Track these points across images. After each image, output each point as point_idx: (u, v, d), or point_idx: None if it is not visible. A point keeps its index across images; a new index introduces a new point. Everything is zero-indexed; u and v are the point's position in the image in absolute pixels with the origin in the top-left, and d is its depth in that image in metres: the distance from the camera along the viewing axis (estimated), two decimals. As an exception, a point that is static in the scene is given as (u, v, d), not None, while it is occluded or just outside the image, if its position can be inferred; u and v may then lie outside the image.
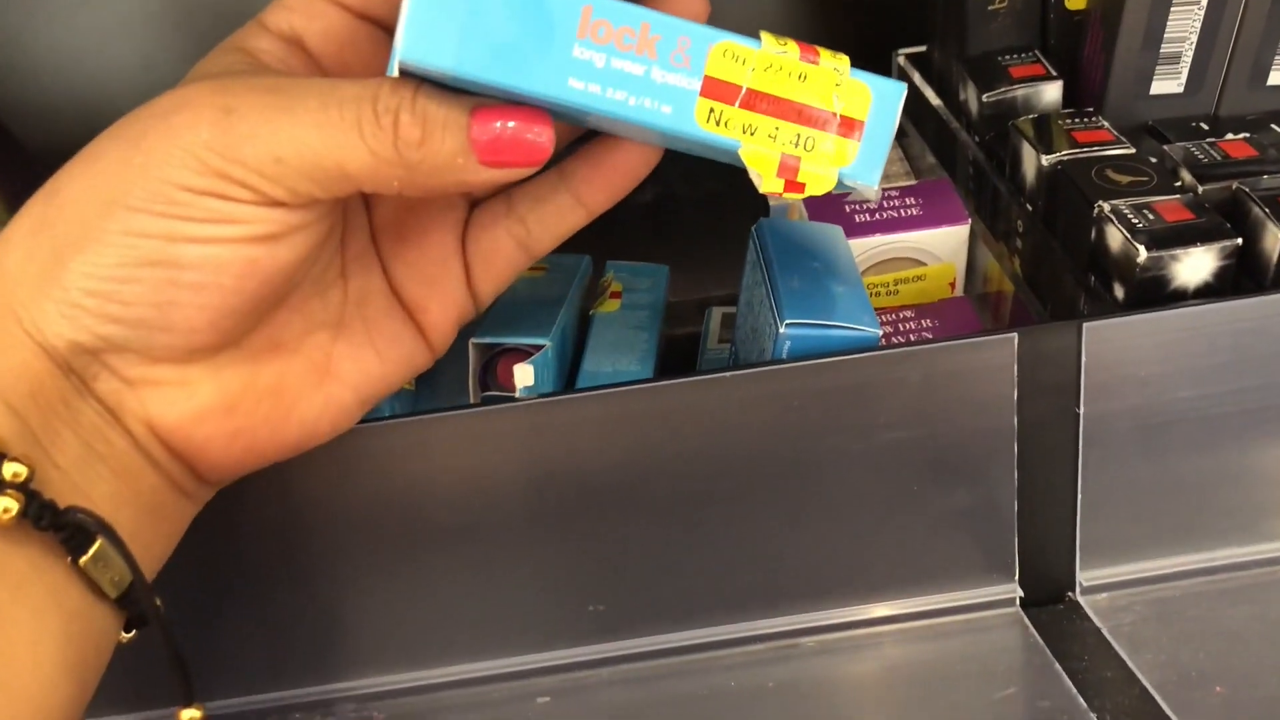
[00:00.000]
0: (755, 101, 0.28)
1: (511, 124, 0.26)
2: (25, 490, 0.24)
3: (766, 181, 0.29)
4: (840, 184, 0.30)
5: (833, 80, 0.28)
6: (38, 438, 0.25)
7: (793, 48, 0.28)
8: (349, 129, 0.25)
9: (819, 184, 0.29)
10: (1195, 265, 0.35)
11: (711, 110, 0.28)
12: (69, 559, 0.25)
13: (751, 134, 0.28)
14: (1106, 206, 0.37)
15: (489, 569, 0.35)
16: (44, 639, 0.24)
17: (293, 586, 0.35)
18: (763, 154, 0.29)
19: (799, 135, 0.29)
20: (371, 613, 0.36)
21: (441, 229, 0.32)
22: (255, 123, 0.25)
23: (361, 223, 0.31)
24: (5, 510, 0.23)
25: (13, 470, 0.24)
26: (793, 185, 0.29)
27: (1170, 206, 0.37)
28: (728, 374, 0.34)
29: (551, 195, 0.32)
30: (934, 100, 0.50)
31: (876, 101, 0.29)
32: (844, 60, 0.29)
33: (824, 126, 0.29)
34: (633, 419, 0.34)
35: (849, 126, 0.29)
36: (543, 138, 0.26)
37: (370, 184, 0.26)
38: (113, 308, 0.25)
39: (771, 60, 0.28)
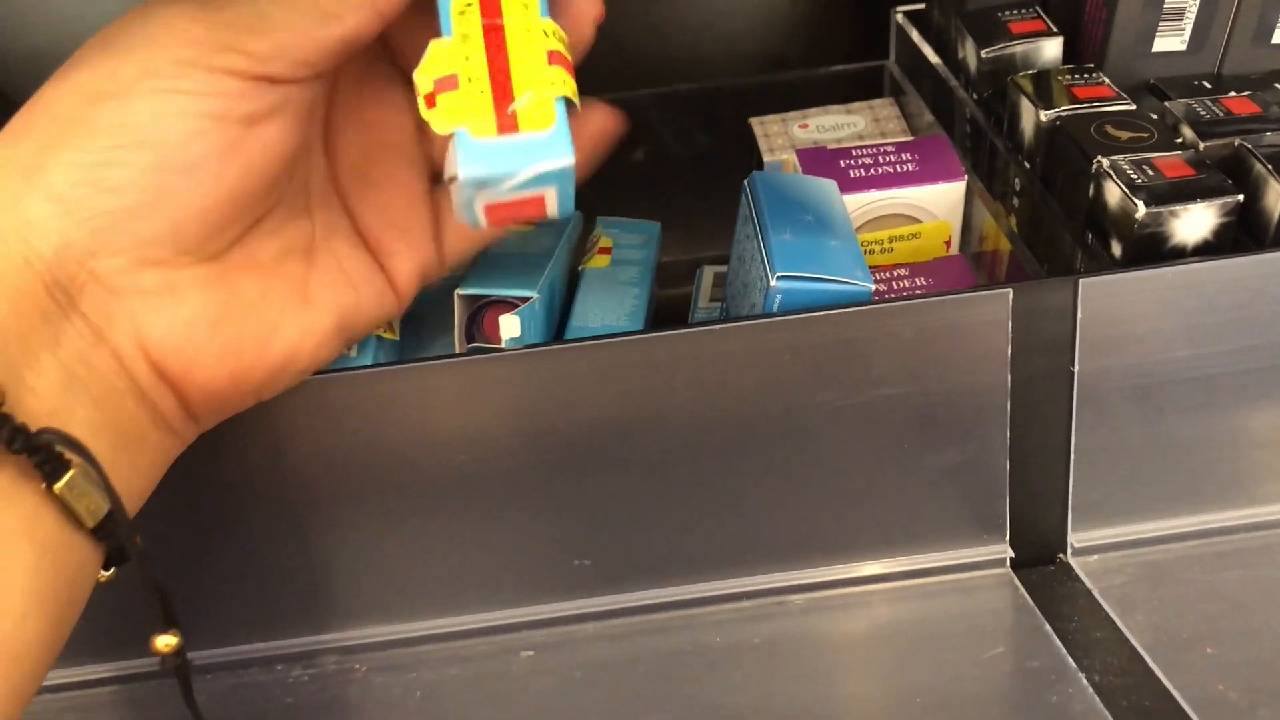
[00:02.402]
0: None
1: None
2: None
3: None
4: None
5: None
6: (13, 359, 0.24)
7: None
8: None
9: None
10: (1195, 222, 0.35)
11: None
12: (43, 484, 0.24)
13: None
14: (1105, 162, 0.36)
15: (475, 522, 0.35)
16: (14, 568, 0.24)
17: (275, 538, 0.34)
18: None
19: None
20: (356, 565, 0.35)
21: (408, 174, 0.32)
22: None
23: (319, 165, 0.31)
24: None
25: None
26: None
27: (1171, 163, 0.36)
28: (717, 327, 0.33)
29: None
30: (933, 58, 0.50)
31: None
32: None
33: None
34: (620, 372, 0.33)
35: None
36: None
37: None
38: (103, 198, 0.25)
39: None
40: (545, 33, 0.29)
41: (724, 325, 0.33)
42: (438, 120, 0.28)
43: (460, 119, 0.28)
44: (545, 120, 0.28)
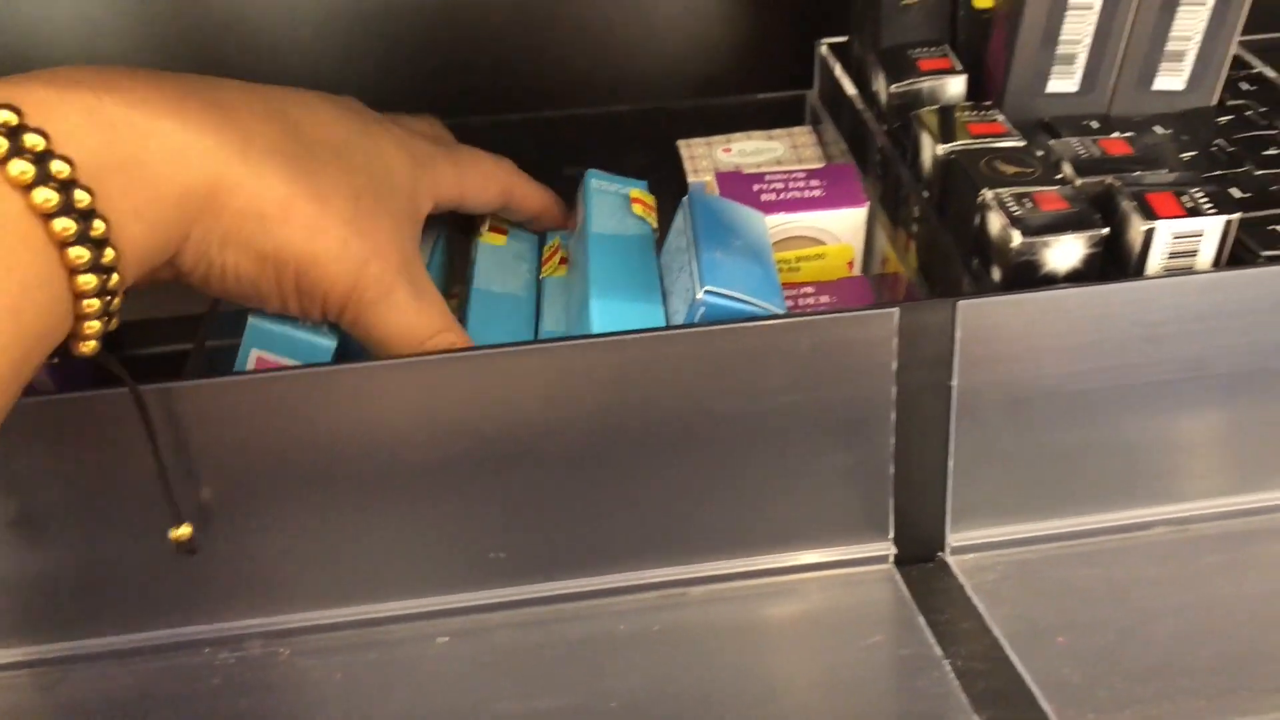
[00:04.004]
0: None
1: None
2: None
3: None
4: None
5: None
6: None
7: None
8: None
9: None
10: (1065, 252, 0.38)
11: None
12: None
13: None
14: (990, 194, 0.39)
15: (396, 515, 0.37)
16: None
17: (202, 523, 0.36)
18: None
19: None
20: (280, 553, 0.37)
21: None
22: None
23: None
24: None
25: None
26: None
27: (1048, 197, 0.39)
28: (629, 337, 0.35)
29: None
30: (849, 89, 0.53)
31: None
32: None
33: None
34: (534, 376, 0.35)
35: None
36: None
37: None
38: None
39: None
40: None
41: (634, 335, 0.36)
42: None
43: None
44: None
